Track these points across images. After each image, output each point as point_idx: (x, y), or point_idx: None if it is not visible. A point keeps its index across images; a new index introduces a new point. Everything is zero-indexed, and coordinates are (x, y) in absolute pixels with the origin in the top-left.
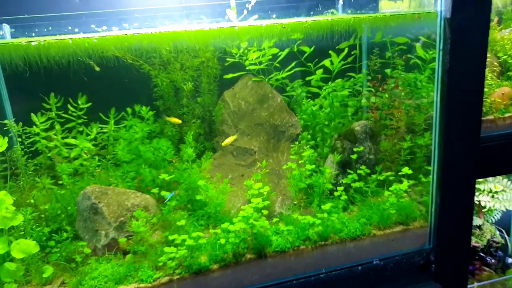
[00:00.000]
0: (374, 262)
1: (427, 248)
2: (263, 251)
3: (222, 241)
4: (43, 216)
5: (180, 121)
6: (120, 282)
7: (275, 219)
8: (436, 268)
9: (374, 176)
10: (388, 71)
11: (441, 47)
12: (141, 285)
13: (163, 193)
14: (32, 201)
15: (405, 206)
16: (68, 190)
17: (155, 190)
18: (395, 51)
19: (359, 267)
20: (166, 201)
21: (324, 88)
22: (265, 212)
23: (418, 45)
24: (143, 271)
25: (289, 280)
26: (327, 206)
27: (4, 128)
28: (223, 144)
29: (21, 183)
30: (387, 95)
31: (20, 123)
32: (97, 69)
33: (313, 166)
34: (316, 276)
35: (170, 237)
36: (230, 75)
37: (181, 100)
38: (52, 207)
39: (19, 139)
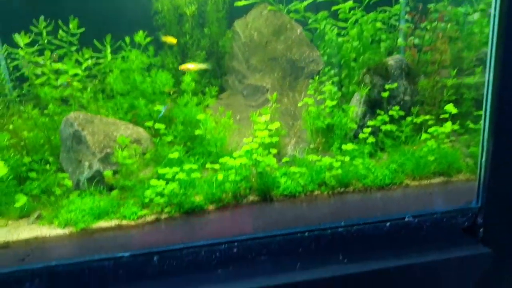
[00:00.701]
0: (406, 219)
1: (474, 207)
2: (268, 194)
3: (220, 177)
4: (22, 144)
5: (175, 40)
6: (99, 217)
7: (285, 159)
8: (485, 231)
9: (409, 118)
10: (431, 6)
11: None
12: (123, 222)
13: (157, 107)
14: (11, 127)
15: (447, 154)
16: (52, 119)
17: (150, 124)
18: None
19: (387, 223)
20: (160, 115)
21: (352, 13)
22: (274, 151)
23: None
24: (127, 207)
25: (300, 231)
26: (349, 146)
27: None
28: (180, 67)
29: (1, 108)
30: (428, 28)
31: (5, 45)
32: None
33: (335, 102)
34: (333, 230)
35: (160, 171)
36: (242, 2)
37: (183, 27)
38: (35, 136)
39: (1, 63)
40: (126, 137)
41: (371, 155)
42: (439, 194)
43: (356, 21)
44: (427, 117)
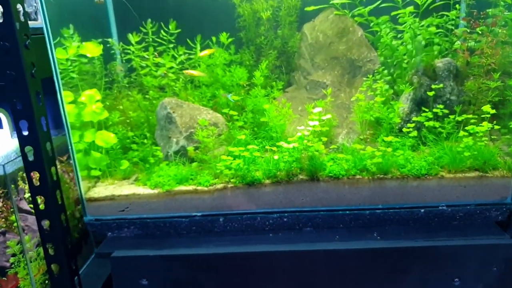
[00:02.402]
0: (440, 208)
1: (509, 203)
2: (315, 174)
3: (276, 157)
4: (128, 121)
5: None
6: (180, 183)
7: (332, 146)
8: None
9: (451, 116)
10: (489, 10)
11: None
12: (199, 187)
13: (222, 92)
14: (121, 107)
15: (483, 151)
16: (151, 102)
17: (226, 110)
18: None
19: (422, 210)
20: (229, 97)
21: (405, 19)
22: (325, 139)
23: None
24: (202, 176)
25: (341, 209)
26: (389, 138)
27: (107, 45)
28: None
29: (115, 92)
30: (480, 32)
31: (121, 43)
32: None
33: (383, 98)
34: (371, 211)
35: (230, 149)
36: (311, 8)
37: (259, 29)
38: (137, 115)
39: (118, 57)
40: (206, 120)
41: (415, 148)
42: (473, 188)
43: (409, 26)
44: (470, 116)
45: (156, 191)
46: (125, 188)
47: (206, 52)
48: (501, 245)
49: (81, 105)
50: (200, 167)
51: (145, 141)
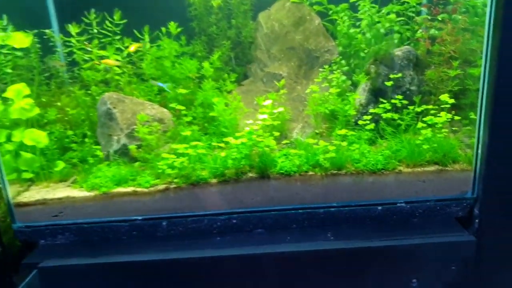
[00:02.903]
0: (398, 204)
1: (469, 198)
2: (266, 172)
3: (223, 154)
4: (67, 119)
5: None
6: (119, 184)
7: (284, 141)
8: (480, 224)
9: (411, 107)
10: None
11: None
12: (138, 189)
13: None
14: (59, 104)
15: (443, 143)
16: (94, 98)
17: (174, 105)
18: None
19: (379, 207)
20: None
21: (362, 5)
22: (276, 133)
23: None
24: (143, 176)
25: (294, 208)
26: (342, 131)
27: (44, 37)
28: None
29: (53, 87)
30: (440, 19)
31: (61, 35)
32: None
33: (338, 90)
34: (326, 209)
35: (173, 146)
36: None
37: (210, 17)
38: (77, 113)
39: (58, 49)
40: (148, 116)
41: (372, 142)
42: (433, 182)
43: (365, 11)
44: (430, 107)
45: (92, 193)
46: (59, 191)
47: (133, 48)
48: (460, 243)
49: (10, 101)
50: (142, 167)
51: (86, 140)
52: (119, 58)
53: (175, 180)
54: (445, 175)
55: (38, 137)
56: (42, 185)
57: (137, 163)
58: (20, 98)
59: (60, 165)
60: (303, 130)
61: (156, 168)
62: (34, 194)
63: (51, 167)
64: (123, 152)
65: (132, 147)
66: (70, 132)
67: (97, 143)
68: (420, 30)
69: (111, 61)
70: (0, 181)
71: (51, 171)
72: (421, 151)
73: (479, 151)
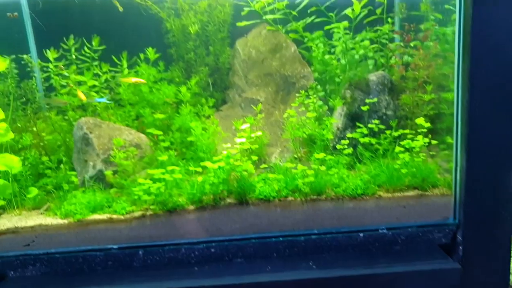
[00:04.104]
0: (380, 231)
1: (451, 223)
2: (244, 197)
3: (200, 179)
4: (42, 144)
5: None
6: (94, 211)
7: (263, 165)
8: (464, 251)
9: (388, 132)
10: (421, 25)
11: None
12: (114, 216)
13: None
14: (35, 129)
15: (421, 167)
16: (70, 124)
17: (151, 130)
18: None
19: (361, 234)
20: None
21: (336, 31)
22: (255, 158)
23: None
24: (118, 203)
25: (275, 236)
26: (320, 155)
27: (22, 62)
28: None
29: (29, 112)
30: (412, 45)
31: (38, 60)
32: (121, 9)
33: (315, 114)
34: (306, 236)
35: (149, 171)
36: (243, 23)
37: (187, 44)
38: (54, 138)
39: (35, 75)
40: (125, 141)
41: (351, 166)
42: (414, 208)
43: (339, 38)
44: (407, 131)
45: (66, 221)
46: (32, 219)
47: (134, 79)
48: (445, 270)
49: None
50: (118, 194)
51: (61, 166)
52: (96, 83)
53: (152, 207)
54: (425, 200)
55: (11, 163)
56: (14, 213)
57: (113, 189)
58: None
59: (33, 191)
60: (282, 155)
61: (132, 195)
62: (5, 222)
63: (24, 193)
64: (99, 178)
65: (108, 172)
66: (45, 158)
67: (73, 169)
68: (394, 57)
69: (82, 95)
70: None
71: (24, 198)
72: (400, 176)
73: (458, 176)
